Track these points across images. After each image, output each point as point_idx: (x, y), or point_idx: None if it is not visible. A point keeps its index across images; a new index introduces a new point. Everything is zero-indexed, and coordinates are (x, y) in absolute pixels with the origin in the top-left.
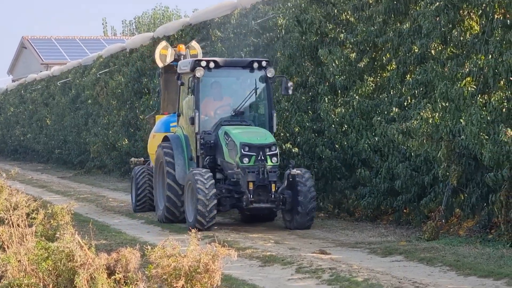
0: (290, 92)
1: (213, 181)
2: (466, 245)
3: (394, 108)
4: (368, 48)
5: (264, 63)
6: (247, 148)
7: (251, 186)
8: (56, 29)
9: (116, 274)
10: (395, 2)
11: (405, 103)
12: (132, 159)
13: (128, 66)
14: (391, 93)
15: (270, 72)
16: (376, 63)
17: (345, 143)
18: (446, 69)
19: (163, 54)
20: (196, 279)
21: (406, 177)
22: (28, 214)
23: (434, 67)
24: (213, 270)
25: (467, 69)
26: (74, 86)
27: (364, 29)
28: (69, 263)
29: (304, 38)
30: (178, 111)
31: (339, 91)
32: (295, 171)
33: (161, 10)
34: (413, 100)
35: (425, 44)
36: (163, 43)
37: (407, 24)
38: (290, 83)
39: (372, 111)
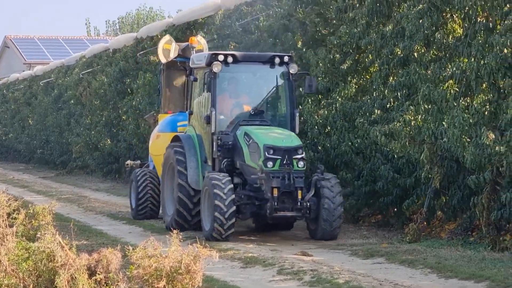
0: (314, 90)
1: (232, 187)
2: (447, 247)
3: (376, 110)
4: (351, 50)
5: (286, 58)
6: (271, 151)
7: (275, 192)
8: (39, 28)
9: (97, 274)
10: (378, 4)
11: (388, 105)
12: (128, 161)
13: (111, 66)
14: (374, 95)
15: (293, 68)
16: (359, 65)
17: (328, 144)
18: (429, 72)
19: (167, 49)
20: (177, 279)
21: (388, 179)
22: (9, 214)
23: (417, 69)
24: (195, 271)
25: (450, 72)
26: (57, 86)
27: (347, 31)
28: (50, 264)
29: (291, 40)
30: (189, 109)
31: (322, 92)
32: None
33: (145, 11)
34: (395, 102)
35: (408, 46)
36: (167, 37)
37: (390, 26)
38: (314, 81)
39: (355, 113)
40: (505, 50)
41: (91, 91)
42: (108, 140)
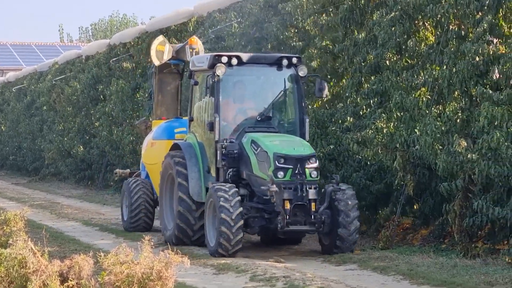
0: (325, 94)
1: (239, 199)
2: (419, 254)
3: (349, 118)
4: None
5: (294, 60)
6: (282, 160)
7: (287, 205)
8: (12, 34)
9: (69, 281)
10: (351, 12)
11: (361, 113)
12: (117, 170)
13: (84, 72)
14: (347, 102)
15: (302, 71)
16: (334, 71)
17: None
18: (401, 79)
19: (160, 51)
20: (149, 286)
21: (361, 186)
22: None
23: (390, 77)
24: (166, 278)
25: (422, 79)
26: (30, 92)
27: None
28: (22, 270)
29: (264, 46)
30: (189, 114)
31: None
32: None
33: (118, 18)
34: (368, 110)
35: (381, 54)
36: (160, 38)
37: (362, 34)
38: (325, 84)
39: (327, 120)
40: (477, 58)
41: (64, 97)
42: (81, 147)
